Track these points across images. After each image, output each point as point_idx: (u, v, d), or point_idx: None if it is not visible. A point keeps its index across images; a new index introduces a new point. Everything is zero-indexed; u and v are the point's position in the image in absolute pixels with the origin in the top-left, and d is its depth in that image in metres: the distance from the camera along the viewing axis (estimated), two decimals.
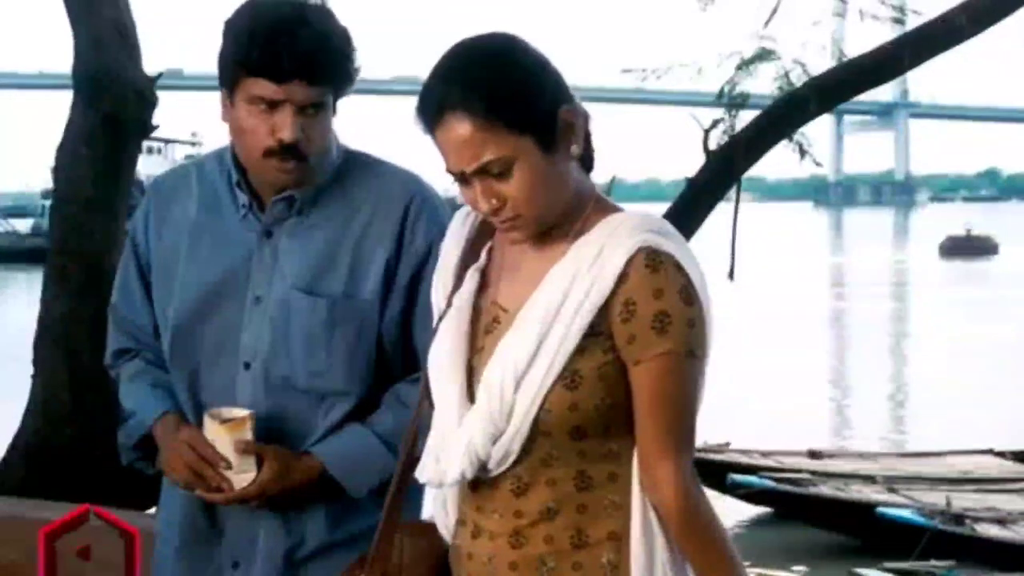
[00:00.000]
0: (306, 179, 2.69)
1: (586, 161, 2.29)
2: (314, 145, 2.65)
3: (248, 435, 2.63)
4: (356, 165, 2.77)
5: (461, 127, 2.15)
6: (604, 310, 2.15)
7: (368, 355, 2.71)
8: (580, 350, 2.15)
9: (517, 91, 2.16)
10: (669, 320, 2.13)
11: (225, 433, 2.63)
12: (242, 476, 2.64)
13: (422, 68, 2.23)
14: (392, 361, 2.73)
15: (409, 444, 2.36)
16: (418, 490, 2.45)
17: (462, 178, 2.20)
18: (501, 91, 2.15)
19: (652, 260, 2.15)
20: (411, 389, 2.67)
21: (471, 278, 2.30)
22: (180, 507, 2.81)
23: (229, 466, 2.63)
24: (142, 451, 2.84)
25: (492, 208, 2.19)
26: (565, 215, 2.23)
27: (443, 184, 2.60)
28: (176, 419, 2.76)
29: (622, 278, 2.14)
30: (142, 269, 2.86)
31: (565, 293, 2.17)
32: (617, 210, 2.26)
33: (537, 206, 2.19)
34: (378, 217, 2.72)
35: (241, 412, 2.66)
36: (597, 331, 2.15)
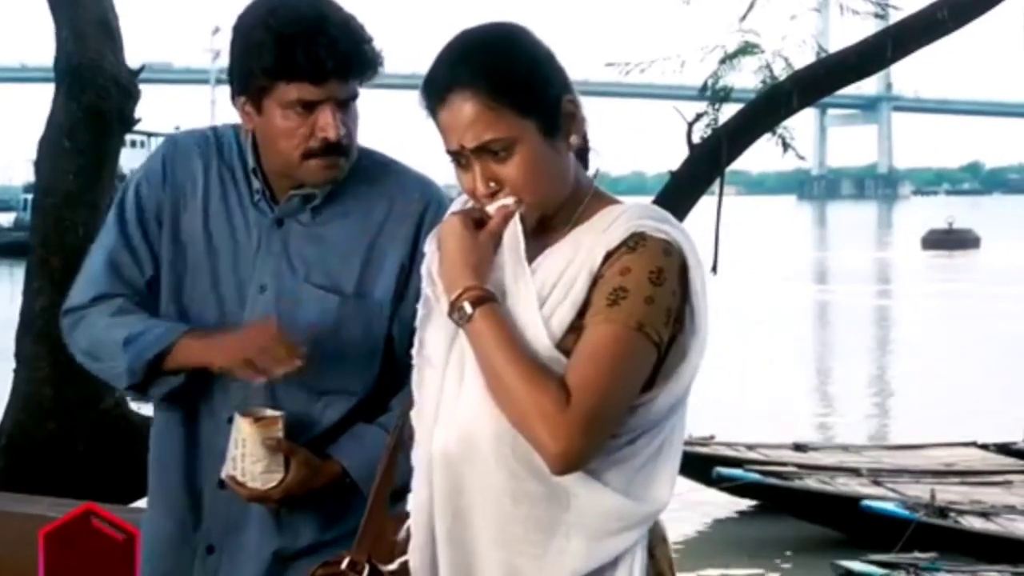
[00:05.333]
0: (345, 173, 2.67)
1: (583, 157, 2.32)
2: (353, 137, 2.66)
3: (279, 434, 2.62)
4: (371, 164, 2.75)
5: (466, 106, 2.18)
6: (590, 291, 2.18)
7: (372, 356, 2.70)
8: (573, 329, 2.17)
9: (523, 75, 2.20)
10: (624, 295, 2.14)
11: (257, 432, 2.61)
12: (269, 475, 2.63)
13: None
14: (403, 364, 2.65)
15: (398, 427, 2.37)
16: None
17: (460, 161, 2.22)
18: (508, 74, 2.19)
19: (635, 242, 2.17)
20: None
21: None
22: (165, 486, 2.80)
23: (256, 462, 2.60)
24: (142, 378, 2.70)
25: (489, 191, 2.21)
26: (563, 205, 2.26)
27: (444, 179, 2.60)
28: (208, 330, 2.65)
29: (607, 258, 2.17)
30: (145, 218, 2.75)
31: (559, 274, 2.19)
32: (616, 202, 2.28)
33: (534, 191, 2.21)
34: (393, 218, 2.70)
35: (273, 412, 2.64)
36: (585, 312, 2.18)
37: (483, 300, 2.17)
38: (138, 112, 6.06)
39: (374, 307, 2.68)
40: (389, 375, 2.71)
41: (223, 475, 2.66)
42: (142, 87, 6.08)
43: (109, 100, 5.87)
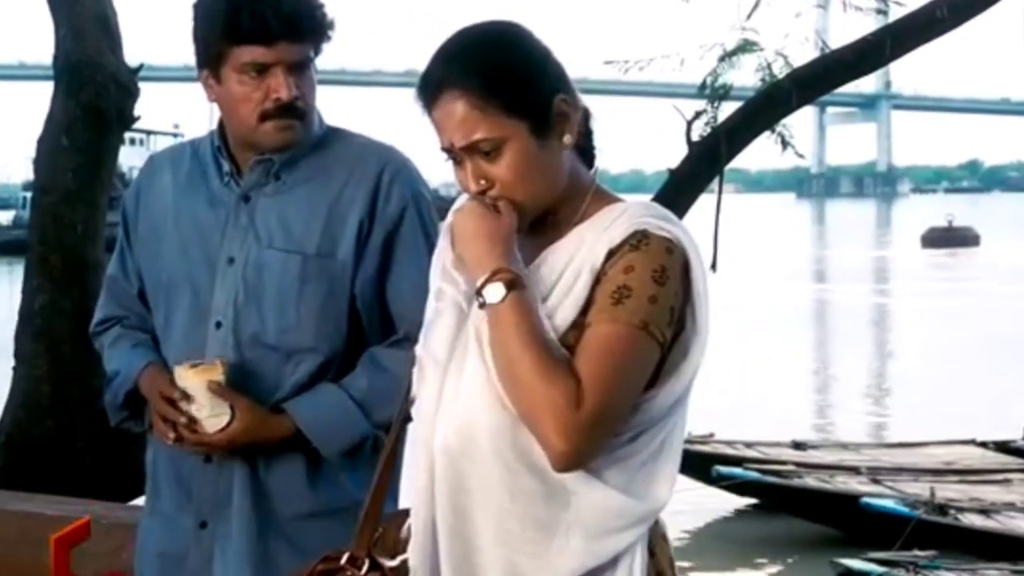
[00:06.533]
0: (303, 138, 2.77)
1: (586, 155, 2.32)
2: (308, 101, 2.75)
3: (219, 377, 2.67)
4: (335, 137, 2.86)
5: (457, 105, 2.19)
6: (593, 288, 2.18)
7: (338, 315, 2.76)
8: (575, 326, 2.17)
9: (515, 74, 2.20)
10: (628, 294, 2.14)
11: (195, 376, 2.67)
12: (213, 420, 2.68)
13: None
14: (368, 323, 2.79)
15: (399, 422, 2.37)
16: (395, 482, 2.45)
17: (453, 157, 2.23)
18: (499, 73, 2.19)
19: (637, 240, 2.18)
20: (387, 352, 2.75)
21: None
22: (153, 470, 2.89)
23: (200, 408, 2.67)
24: (130, 410, 2.89)
25: (480, 189, 2.22)
26: (562, 203, 2.26)
27: (442, 177, 2.62)
28: (159, 368, 2.81)
29: (609, 256, 2.18)
30: (130, 237, 2.93)
31: (561, 272, 2.20)
32: (618, 200, 2.29)
33: (524, 190, 2.21)
34: (352, 182, 2.78)
35: (211, 360, 2.71)
36: (587, 310, 2.18)
37: (515, 284, 2.16)
38: (137, 110, 6.06)
39: (337, 266, 2.76)
40: (356, 334, 2.78)
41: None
42: (141, 85, 6.07)
43: (108, 98, 5.87)
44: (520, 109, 2.19)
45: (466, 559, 2.21)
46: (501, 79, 2.19)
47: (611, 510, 2.17)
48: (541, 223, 2.26)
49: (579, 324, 2.17)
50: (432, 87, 2.22)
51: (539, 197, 2.23)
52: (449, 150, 2.23)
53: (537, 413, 2.11)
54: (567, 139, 2.24)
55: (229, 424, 2.67)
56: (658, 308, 2.14)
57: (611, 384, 2.11)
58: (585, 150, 2.32)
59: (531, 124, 2.20)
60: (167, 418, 2.72)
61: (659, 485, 2.21)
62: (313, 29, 2.73)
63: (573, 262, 2.20)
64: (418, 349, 2.31)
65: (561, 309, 2.18)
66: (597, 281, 2.18)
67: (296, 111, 2.73)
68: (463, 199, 2.32)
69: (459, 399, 2.21)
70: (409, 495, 2.30)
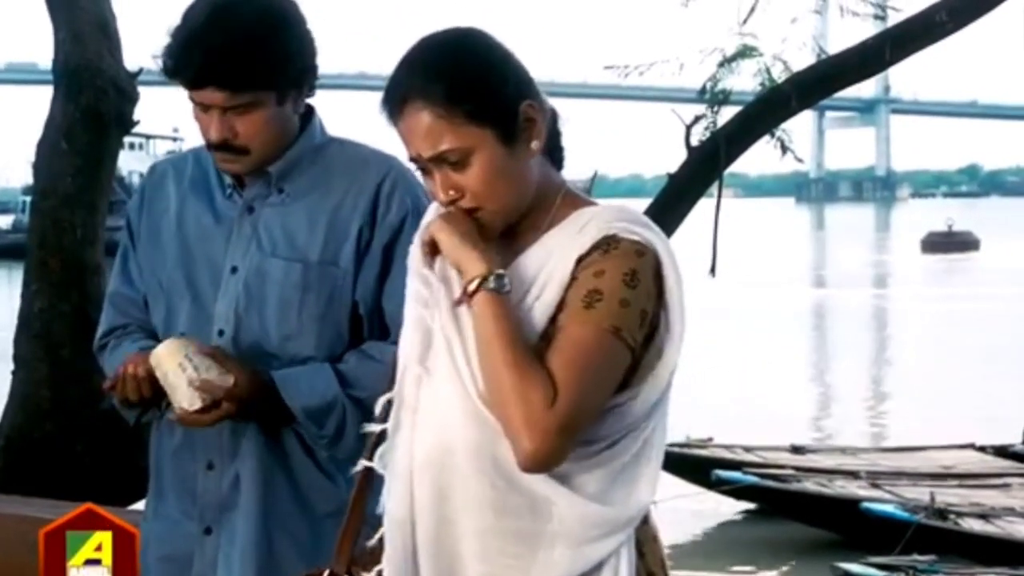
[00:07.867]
0: (254, 168, 2.76)
1: (555, 157, 2.30)
2: (252, 139, 2.72)
3: (194, 345, 2.67)
4: (336, 147, 2.86)
5: (421, 116, 2.17)
6: (564, 295, 2.17)
7: (339, 323, 2.77)
8: (545, 335, 2.16)
9: (477, 82, 2.18)
10: (600, 297, 2.14)
11: (184, 347, 2.66)
12: (224, 377, 2.64)
13: (391, 64, 2.26)
14: (369, 329, 2.79)
15: (378, 435, 2.35)
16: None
17: (422, 167, 2.22)
18: (461, 81, 2.17)
19: (607, 245, 2.17)
20: (378, 345, 2.75)
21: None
22: (157, 473, 2.88)
23: (209, 369, 2.65)
24: (140, 404, 2.82)
25: (450, 199, 2.21)
26: (532, 209, 2.24)
27: None
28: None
29: (579, 262, 2.17)
30: (135, 244, 2.93)
31: (531, 280, 2.19)
32: (588, 203, 2.27)
33: (495, 199, 2.20)
34: (353, 190, 2.79)
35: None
36: (557, 318, 2.17)
37: (504, 285, 2.17)
38: (137, 114, 6.06)
39: (339, 274, 2.76)
40: (358, 341, 2.79)
41: (173, 415, 2.72)
42: (141, 89, 6.07)
43: (107, 102, 5.87)
44: (485, 117, 2.18)
45: (448, 573, 2.20)
46: (464, 87, 2.17)
47: (592, 518, 2.17)
48: (511, 229, 2.25)
49: (549, 333, 2.16)
50: (396, 98, 2.20)
51: (510, 205, 2.22)
52: (417, 160, 2.22)
53: (511, 411, 2.10)
54: (535, 145, 2.22)
55: (207, 408, 2.64)
56: (629, 312, 2.14)
57: (582, 387, 2.11)
58: (553, 152, 2.30)
59: (498, 132, 2.18)
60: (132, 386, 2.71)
61: (640, 489, 2.20)
62: (249, 78, 2.66)
63: (543, 270, 2.19)
64: (399, 355, 2.29)
65: (532, 317, 2.17)
66: (568, 287, 2.17)
67: (231, 148, 2.72)
68: (434, 207, 2.32)
69: (435, 413, 2.20)
70: (387, 511, 2.27)
